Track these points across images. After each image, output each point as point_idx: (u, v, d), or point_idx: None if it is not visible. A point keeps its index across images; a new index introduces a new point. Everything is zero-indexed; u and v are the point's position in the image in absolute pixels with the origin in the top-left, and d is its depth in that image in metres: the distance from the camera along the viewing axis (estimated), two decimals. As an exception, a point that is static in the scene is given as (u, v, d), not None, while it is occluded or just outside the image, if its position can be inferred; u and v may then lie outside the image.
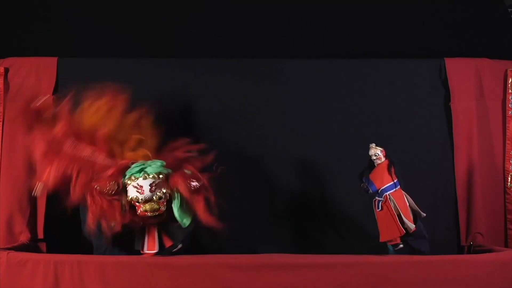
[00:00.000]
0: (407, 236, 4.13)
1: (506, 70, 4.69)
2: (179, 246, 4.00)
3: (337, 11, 4.63)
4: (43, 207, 4.48)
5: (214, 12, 4.61)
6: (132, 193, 3.92)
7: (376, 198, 4.17)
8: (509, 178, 4.62)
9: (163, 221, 3.99)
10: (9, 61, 4.66)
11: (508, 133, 4.64)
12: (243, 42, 4.63)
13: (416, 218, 4.17)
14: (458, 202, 4.59)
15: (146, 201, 3.90)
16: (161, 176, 3.94)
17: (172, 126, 4.58)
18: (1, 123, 4.58)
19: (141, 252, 3.99)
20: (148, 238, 4.01)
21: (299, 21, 4.66)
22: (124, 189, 3.94)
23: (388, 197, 4.13)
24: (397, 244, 4.12)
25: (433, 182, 4.70)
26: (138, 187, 3.91)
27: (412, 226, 4.09)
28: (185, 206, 3.94)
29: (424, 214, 4.18)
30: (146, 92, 4.64)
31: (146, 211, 3.91)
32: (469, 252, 4.49)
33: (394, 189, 4.15)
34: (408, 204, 4.15)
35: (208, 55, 4.69)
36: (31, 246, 4.38)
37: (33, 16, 4.61)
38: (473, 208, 4.58)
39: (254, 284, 3.70)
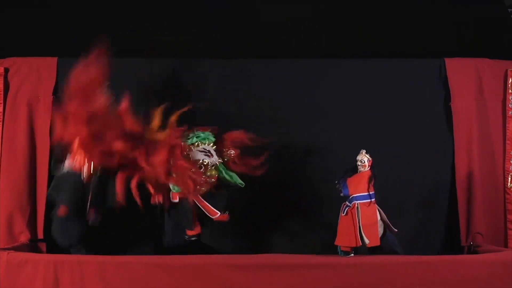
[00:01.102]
0: (375, 250, 4.11)
1: (506, 70, 4.69)
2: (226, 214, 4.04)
3: (337, 11, 4.62)
4: (43, 207, 4.48)
5: (214, 12, 4.61)
6: (199, 156, 3.97)
7: (346, 202, 4.14)
8: (509, 178, 4.62)
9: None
10: (9, 61, 4.66)
11: (508, 133, 4.64)
12: (243, 42, 4.63)
13: (385, 232, 4.13)
14: (458, 202, 4.59)
15: (212, 165, 3.95)
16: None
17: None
18: (1, 123, 4.58)
19: (188, 234, 4.02)
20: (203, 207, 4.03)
21: (299, 21, 4.65)
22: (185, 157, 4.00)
23: (356, 205, 4.10)
24: (349, 253, 4.07)
25: (433, 182, 4.70)
26: (206, 151, 3.97)
27: (367, 241, 4.05)
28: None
29: (396, 230, 4.15)
30: (146, 92, 4.66)
31: (211, 176, 3.96)
32: (469, 252, 4.49)
33: (366, 201, 4.11)
34: (378, 219, 4.11)
35: (208, 55, 4.69)
36: (31, 246, 4.38)
37: (33, 16, 4.61)
38: (473, 208, 4.57)
39: (254, 284, 3.70)
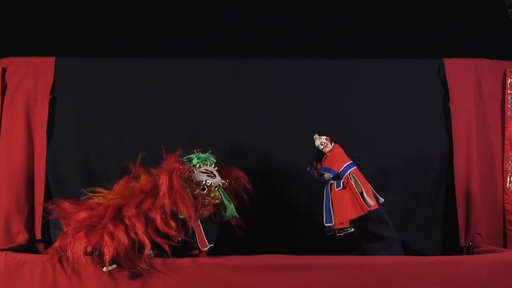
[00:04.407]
0: (365, 221, 4.07)
1: (505, 71, 4.70)
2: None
3: (337, 11, 4.63)
4: (41, 208, 4.46)
5: (214, 12, 4.61)
6: (202, 177, 3.91)
7: (333, 181, 4.09)
8: (508, 179, 4.62)
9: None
10: (6, 61, 4.65)
11: (507, 134, 4.65)
12: (242, 42, 4.63)
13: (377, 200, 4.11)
14: (457, 202, 4.59)
15: (215, 186, 3.91)
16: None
17: (171, 126, 4.61)
18: (-1, 123, 4.58)
19: (201, 248, 3.92)
20: (198, 235, 3.92)
21: (298, 21, 4.65)
22: (187, 180, 3.88)
23: (349, 176, 4.06)
24: (347, 228, 3.99)
25: (432, 182, 4.70)
26: (209, 172, 3.92)
27: (372, 202, 3.99)
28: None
29: (383, 199, 4.13)
30: (145, 92, 4.66)
31: (215, 197, 3.90)
32: (468, 253, 4.49)
33: (354, 168, 4.09)
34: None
35: (208, 55, 4.68)
36: (29, 247, 4.37)
37: (31, 15, 4.60)
38: (472, 209, 4.57)
39: (254, 285, 3.69)
